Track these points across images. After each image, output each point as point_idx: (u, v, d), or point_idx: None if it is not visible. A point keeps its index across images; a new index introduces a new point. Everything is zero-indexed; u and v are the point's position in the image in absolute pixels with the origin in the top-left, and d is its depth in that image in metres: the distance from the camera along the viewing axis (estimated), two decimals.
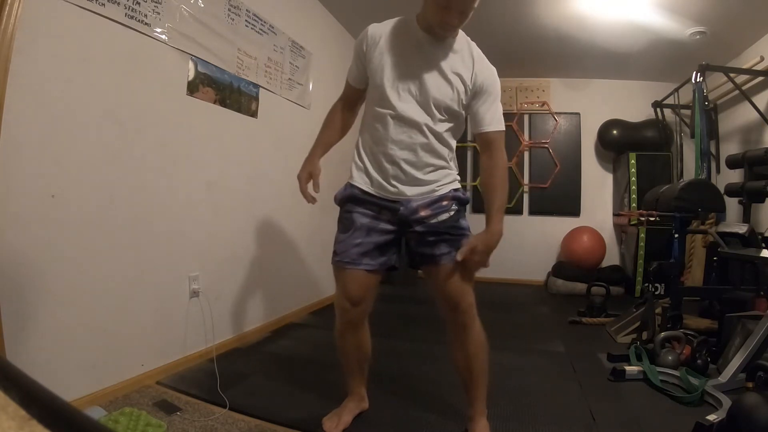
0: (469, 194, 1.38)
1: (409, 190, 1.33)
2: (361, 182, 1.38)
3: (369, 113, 1.38)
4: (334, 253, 1.42)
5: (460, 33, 1.33)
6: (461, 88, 1.31)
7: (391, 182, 1.34)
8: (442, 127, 1.33)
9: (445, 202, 1.35)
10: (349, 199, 1.40)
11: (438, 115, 1.31)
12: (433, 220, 1.33)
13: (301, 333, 2.60)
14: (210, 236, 2.13)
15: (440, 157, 1.35)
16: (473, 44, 1.36)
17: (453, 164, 1.41)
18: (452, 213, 1.35)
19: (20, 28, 1.29)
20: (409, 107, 1.30)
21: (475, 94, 1.32)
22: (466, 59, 1.32)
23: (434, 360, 2.12)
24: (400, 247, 1.45)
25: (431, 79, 1.29)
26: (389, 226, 1.37)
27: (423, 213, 1.33)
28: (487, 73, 1.33)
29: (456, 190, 1.39)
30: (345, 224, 1.41)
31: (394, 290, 3.72)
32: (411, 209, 1.33)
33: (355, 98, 1.50)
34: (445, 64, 1.30)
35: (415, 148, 1.31)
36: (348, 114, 1.53)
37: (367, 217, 1.37)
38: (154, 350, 1.83)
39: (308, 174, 1.50)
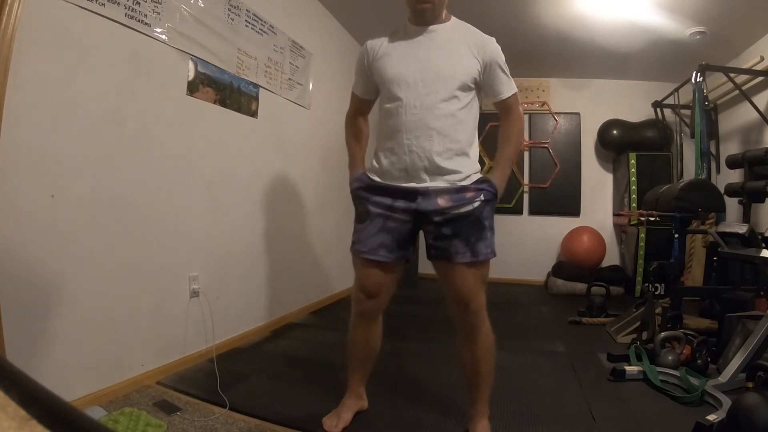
0: None
1: (430, 180, 1.32)
2: (377, 177, 1.40)
3: (382, 113, 1.41)
4: (353, 242, 1.42)
5: (453, 18, 1.38)
6: (469, 63, 1.32)
7: (409, 173, 1.33)
8: (454, 107, 1.32)
9: (469, 194, 1.31)
10: (365, 188, 1.41)
11: (449, 93, 1.31)
12: (454, 211, 1.30)
13: (301, 333, 2.60)
14: (210, 236, 2.13)
15: (456, 141, 1.33)
16: (469, 25, 1.39)
17: (473, 154, 1.38)
18: (476, 205, 1.31)
19: (20, 28, 1.29)
20: (418, 94, 1.31)
21: (485, 68, 1.34)
22: (467, 38, 1.35)
23: (434, 360, 2.12)
24: (416, 240, 1.45)
25: (435, 59, 1.32)
26: (405, 216, 1.35)
27: (441, 202, 1.30)
28: (491, 45, 1.36)
29: (481, 181, 1.35)
30: (361, 214, 1.41)
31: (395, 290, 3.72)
32: (429, 199, 1.31)
33: (365, 108, 1.55)
34: (446, 44, 1.33)
35: (430, 134, 1.31)
36: (363, 121, 1.57)
37: (382, 207, 1.36)
38: (154, 350, 1.82)
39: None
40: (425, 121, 1.31)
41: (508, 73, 1.39)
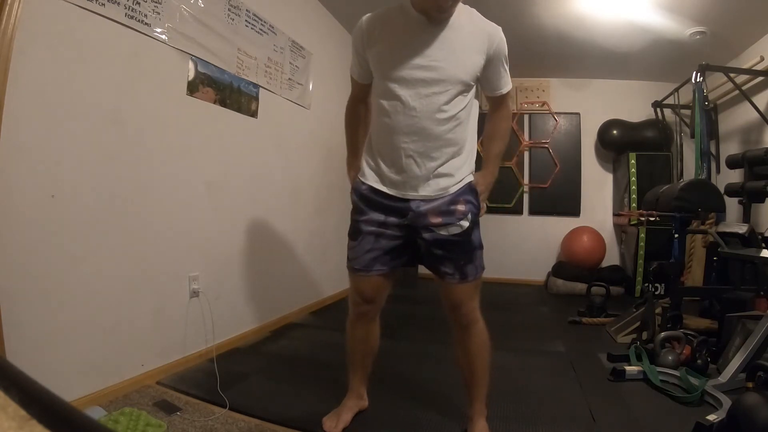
0: None
1: (422, 188, 1.28)
2: (372, 180, 1.35)
3: (376, 107, 1.34)
4: (348, 258, 1.41)
5: (459, 4, 1.27)
6: (474, 60, 1.26)
7: (403, 178, 1.29)
8: (456, 108, 1.27)
9: (459, 210, 1.29)
10: (358, 202, 1.37)
11: (451, 95, 1.25)
12: (443, 232, 1.29)
13: (301, 333, 2.60)
14: (210, 236, 2.13)
15: (455, 144, 1.29)
16: (474, 11, 1.30)
17: (469, 149, 1.35)
18: (465, 227, 1.29)
19: (20, 28, 1.29)
20: (418, 95, 1.24)
21: (489, 62, 1.28)
22: (474, 30, 1.26)
23: (434, 360, 2.12)
24: (414, 248, 1.41)
25: (439, 58, 1.23)
26: (397, 232, 1.33)
27: (433, 220, 1.28)
28: (497, 36, 1.28)
29: (471, 187, 1.34)
30: (353, 231, 1.39)
31: (395, 290, 3.72)
32: (420, 213, 1.29)
33: (365, 93, 1.44)
34: (452, 41, 1.24)
35: (427, 140, 1.26)
36: (363, 107, 1.49)
37: (374, 225, 1.33)
38: (154, 350, 1.83)
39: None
40: (424, 125, 1.25)
41: (508, 66, 1.34)
